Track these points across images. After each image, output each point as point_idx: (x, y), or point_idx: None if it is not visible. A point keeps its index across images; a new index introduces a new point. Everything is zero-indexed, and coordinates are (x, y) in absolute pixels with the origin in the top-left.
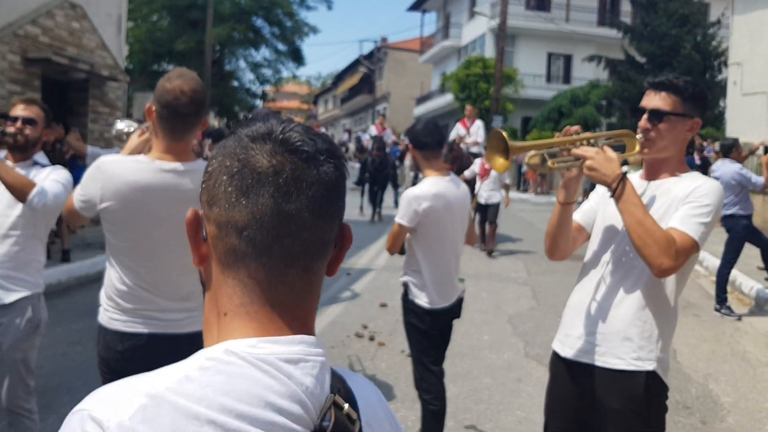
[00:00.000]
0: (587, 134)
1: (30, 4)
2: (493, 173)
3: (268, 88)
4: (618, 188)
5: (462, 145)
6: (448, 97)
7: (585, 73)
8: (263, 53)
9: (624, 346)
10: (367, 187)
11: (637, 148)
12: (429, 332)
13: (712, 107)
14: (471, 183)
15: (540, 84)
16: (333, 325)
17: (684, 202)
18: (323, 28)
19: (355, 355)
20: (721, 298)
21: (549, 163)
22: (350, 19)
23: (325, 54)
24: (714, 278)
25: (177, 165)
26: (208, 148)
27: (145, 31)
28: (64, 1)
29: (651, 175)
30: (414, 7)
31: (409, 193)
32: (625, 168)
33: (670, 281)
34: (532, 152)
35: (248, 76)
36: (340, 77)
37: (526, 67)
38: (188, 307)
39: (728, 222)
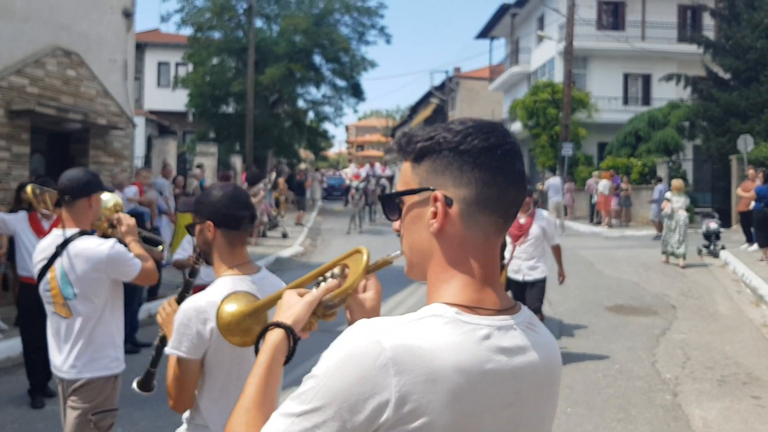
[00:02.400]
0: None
1: (15, 54)
2: (533, 230)
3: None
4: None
5: None
6: (517, 126)
7: (666, 93)
8: (323, 90)
9: None
10: None
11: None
12: None
13: None
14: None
15: (616, 107)
16: None
17: None
18: (393, 59)
19: None
20: None
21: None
22: (420, 50)
23: (398, 86)
24: None
25: None
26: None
27: (201, 75)
28: (57, 49)
29: None
30: (482, 35)
31: (187, 307)
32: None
33: None
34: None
35: (309, 114)
36: (414, 109)
37: (600, 89)
38: None
39: None
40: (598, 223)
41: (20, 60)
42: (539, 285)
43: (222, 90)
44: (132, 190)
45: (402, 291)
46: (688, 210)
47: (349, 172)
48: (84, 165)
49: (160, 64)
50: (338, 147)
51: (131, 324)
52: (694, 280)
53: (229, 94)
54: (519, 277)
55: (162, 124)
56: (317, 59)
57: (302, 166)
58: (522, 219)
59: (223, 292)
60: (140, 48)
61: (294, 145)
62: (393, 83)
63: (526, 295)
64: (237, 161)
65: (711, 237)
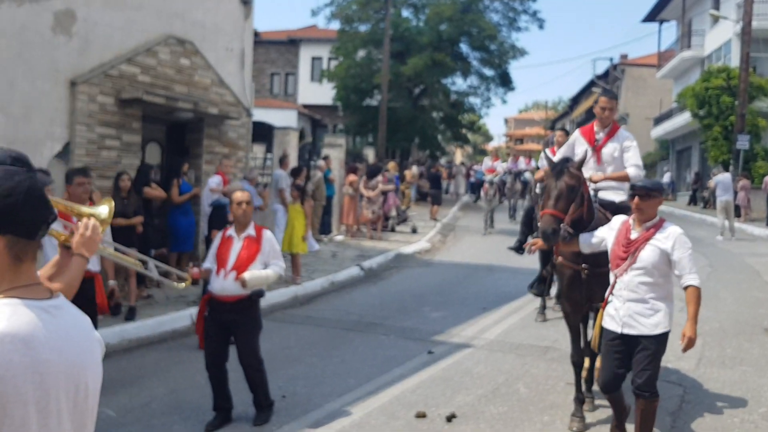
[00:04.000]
0: None
1: (127, 43)
2: (647, 254)
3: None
4: None
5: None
6: (685, 116)
7: None
8: (469, 80)
9: None
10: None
11: None
12: None
13: None
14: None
15: None
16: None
17: None
18: (550, 46)
19: None
20: None
21: None
22: (580, 36)
23: (558, 75)
24: None
25: None
26: (363, 184)
27: (346, 68)
28: (170, 37)
29: None
30: (650, 18)
31: None
32: None
33: None
34: None
35: (456, 105)
36: (576, 100)
37: None
38: None
39: None
40: (737, 216)
41: (132, 49)
42: (652, 345)
43: (366, 82)
44: (215, 180)
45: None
46: None
47: (483, 166)
48: (198, 155)
49: (313, 59)
50: (497, 141)
51: None
52: None
53: (373, 86)
54: (615, 327)
55: (314, 117)
56: (464, 48)
57: (443, 159)
58: (635, 232)
59: None
60: (295, 43)
61: (438, 138)
62: (552, 72)
63: (633, 359)
64: (370, 153)
65: None
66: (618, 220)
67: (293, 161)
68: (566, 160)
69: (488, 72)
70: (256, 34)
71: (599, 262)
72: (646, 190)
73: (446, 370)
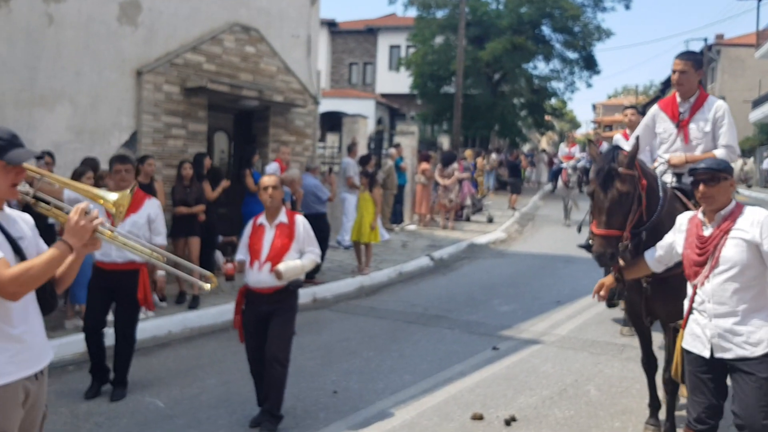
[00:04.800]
0: None
1: (192, 31)
2: (729, 251)
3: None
4: None
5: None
6: None
7: None
8: (552, 64)
9: None
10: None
11: None
12: None
13: None
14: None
15: None
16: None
17: None
18: (638, 27)
19: None
20: None
21: None
22: (670, 15)
23: (647, 57)
24: None
25: None
26: (438, 171)
27: (422, 55)
28: (235, 25)
29: None
30: None
31: None
32: None
33: None
34: None
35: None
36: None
37: None
38: None
39: None
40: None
41: (197, 37)
42: (759, 369)
43: (444, 69)
44: (272, 167)
45: None
46: None
47: (559, 152)
48: (265, 144)
49: (391, 47)
50: (585, 128)
51: None
52: None
53: (451, 72)
54: (702, 351)
55: (391, 106)
56: (545, 31)
57: (526, 147)
58: (708, 228)
59: None
60: (373, 32)
61: (519, 125)
62: (641, 55)
63: (734, 388)
64: (445, 141)
65: None
66: (683, 218)
67: (363, 149)
68: (612, 158)
69: (572, 55)
70: (334, 24)
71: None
72: (712, 172)
73: (510, 368)
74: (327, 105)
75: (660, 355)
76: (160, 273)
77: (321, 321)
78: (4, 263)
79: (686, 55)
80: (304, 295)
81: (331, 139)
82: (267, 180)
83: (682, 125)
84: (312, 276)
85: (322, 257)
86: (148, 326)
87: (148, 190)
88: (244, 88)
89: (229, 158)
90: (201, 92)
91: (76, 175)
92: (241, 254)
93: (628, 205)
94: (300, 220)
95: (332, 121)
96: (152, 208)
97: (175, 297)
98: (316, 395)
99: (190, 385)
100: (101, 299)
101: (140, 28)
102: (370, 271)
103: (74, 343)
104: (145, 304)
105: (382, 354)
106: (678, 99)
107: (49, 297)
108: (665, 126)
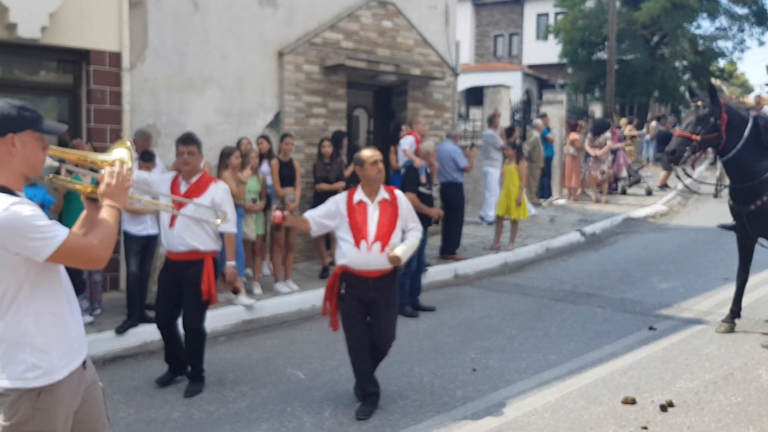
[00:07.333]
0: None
1: (330, 9)
2: None
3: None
4: None
5: None
6: None
7: None
8: (718, 22)
9: None
10: None
11: None
12: None
13: None
14: None
15: None
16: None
17: None
18: None
19: None
20: None
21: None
22: None
23: None
24: None
25: None
26: (588, 142)
27: (571, 20)
28: (372, 0)
29: None
30: None
31: None
32: None
33: None
34: None
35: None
36: None
37: None
38: None
39: None
40: None
41: (335, 15)
42: None
43: (596, 34)
44: (408, 141)
45: None
46: None
47: None
48: (402, 118)
49: (538, 15)
50: (759, 91)
51: (413, 285)
52: None
53: (603, 37)
54: None
55: (539, 77)
56: None
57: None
58: None
59: None
60: (519, 2)
61: (681, 90)
62: None
63: None
64: (597, 109)
65: None
66: None
67: (506, 121)
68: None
69: (740, 10)
70: None
71: None
72: None
73: (668, 350)
74: (471, 80)
75: None
76: (230, 264)
77: (462, 297)
78: (78, 234)
79: None
80: (446, 271)
81: (474, 113)
82: (374, 153)
83: None
84: (453, 251)
85: (460, 230)
86: (294, 300)
87: (287, 168)
88: (382, 63)
89: (368, 135)
90: (340, 70)
91: (224, 156)
92: (330, 226)
93: (704, 123)
94: (400, 194)
95: (476, 97)
96: (218, 192)
97: (319, 272)
98: (455, 372)
99: (330, 357)
100: (170, 292)
101: (280, 10)
102: (515, 247)
103: (229, 315)
104: (209, 296)
105: (526, 332)
106: None
107: (79, 279)
108: None
